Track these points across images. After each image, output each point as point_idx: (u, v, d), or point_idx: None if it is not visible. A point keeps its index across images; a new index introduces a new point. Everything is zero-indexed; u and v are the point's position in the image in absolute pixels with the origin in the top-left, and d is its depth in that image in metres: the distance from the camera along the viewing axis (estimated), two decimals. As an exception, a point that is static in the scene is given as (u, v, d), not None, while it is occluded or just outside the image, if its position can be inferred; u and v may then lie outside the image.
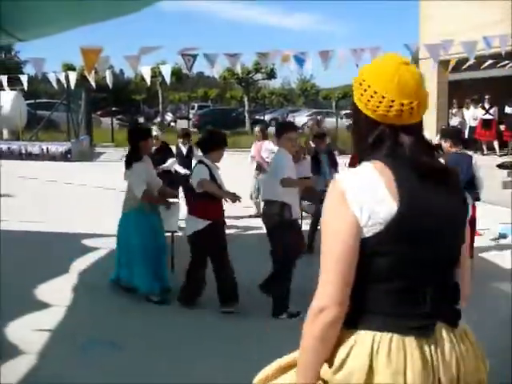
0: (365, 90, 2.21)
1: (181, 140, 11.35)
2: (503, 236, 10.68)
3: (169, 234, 8.20)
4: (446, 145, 8.65)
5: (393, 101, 2.16)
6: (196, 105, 60.35)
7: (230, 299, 6.90)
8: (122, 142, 21.14)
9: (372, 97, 2.19)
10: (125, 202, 7.42)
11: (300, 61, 9.88)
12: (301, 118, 46.48)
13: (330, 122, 37.54)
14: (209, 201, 6.81)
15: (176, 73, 41.43)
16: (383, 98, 2.17)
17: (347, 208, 2.13)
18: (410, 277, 2.18)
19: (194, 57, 10.07)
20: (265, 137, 12.33)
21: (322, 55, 9.75)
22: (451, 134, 9.16)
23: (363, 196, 2.12)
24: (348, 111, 49.09)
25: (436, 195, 2.19)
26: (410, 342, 2.12)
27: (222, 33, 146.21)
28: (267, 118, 53.27)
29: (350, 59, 9.79)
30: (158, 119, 42.83)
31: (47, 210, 12.87)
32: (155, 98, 51.63)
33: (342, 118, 45.56)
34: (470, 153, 19.38)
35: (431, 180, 2.18)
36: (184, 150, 11.25)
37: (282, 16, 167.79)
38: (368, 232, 2.12)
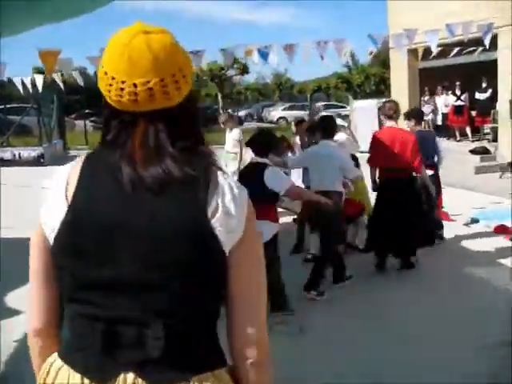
0: (104, 74, 1.70)
1: None
2: (475, 221, 10.70)
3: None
4: (410, 124, 9.12)
5: (123, 81, 1.65)
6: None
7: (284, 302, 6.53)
8: (97, 145, 20.88)
9: (103, 79, 1.70)
10: None
11: (264, 55, 9.82)
12: (276, 113, 46.68)
13: (305, 114, 37.68)
14: (274, 204, 6.56)
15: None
16: (113, 79, 1.66)
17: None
18: (83, 301, 1.70)
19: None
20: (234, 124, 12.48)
21: (286, 49, 9.72)
22: (414, 114, 9.52)
23: (50, 199, 1.75)
24: (323, 103, 49.26)
25: (134, 205, 1.65)
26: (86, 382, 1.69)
27: (191, 30, 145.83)
28: (242, 113, 53.44)
29: (314, 52, 9.74)
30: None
31: (21, 216, 12.63)
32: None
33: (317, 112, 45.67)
34: (443, 139, 19.61)
35: (140, 187, 1.66)
36: None
37: (253, 11, 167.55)
38: (50, 241, 1.73)
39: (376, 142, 8.13)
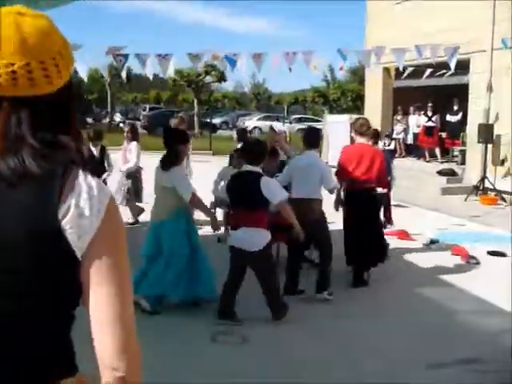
0: None
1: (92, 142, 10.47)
2: (435, 241, 10.77)
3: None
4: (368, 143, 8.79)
5: None
6: (148, 106, 60.10)
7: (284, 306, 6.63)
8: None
9: None
10: (162, 208, 6.79)
11: (231, 61, 9.81)
12: (251, 122, 46.78)
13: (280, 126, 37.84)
14: (267, 213, 6.54)
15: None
16: None
17: None
18: None
19: (126, 57, 9.94)
20: (135, 137, 11.36)
21: (254, 57, 9.73)
22: (371, 134, 9.27)
23: None
24: (299, 116, 49.56)
25: None
26: None
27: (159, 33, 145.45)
28: (217, 121, 53.49)
29: (282, 63, 9.77)
30: (107, 120, 42.39)
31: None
32: (113, 99, 51.24)
33: (291, 123, 45.91)
34: (412, 159, 19.78)
35: None
36: (95, 151, 10.49)
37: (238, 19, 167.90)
38: None
39: (345, 156, 8.25)
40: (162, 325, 6.38)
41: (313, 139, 7.80)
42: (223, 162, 11.85)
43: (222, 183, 9.18)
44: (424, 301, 7.76)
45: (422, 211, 14.58)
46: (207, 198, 9.83)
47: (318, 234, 7.51)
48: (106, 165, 10.65)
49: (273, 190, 6.32)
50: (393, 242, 10.81)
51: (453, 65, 10.36)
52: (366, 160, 8.01)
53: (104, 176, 10.39)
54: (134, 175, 11.13)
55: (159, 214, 6.80)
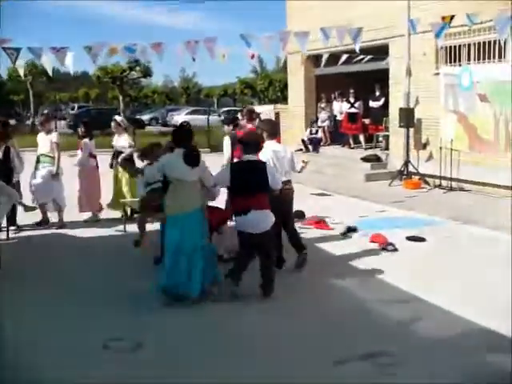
0: None
1: None
2: (353, 229, 10.52)
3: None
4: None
5: None
6: (76, 105, 59.19)
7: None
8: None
9: None
10: (187, 201, 7.04)
11: (131, 51, 9.36)
12: (179, 117, 46.30)
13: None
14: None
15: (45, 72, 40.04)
16: None
17: None
18: None
19: (18, 50, 9.37)
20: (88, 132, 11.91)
21: (154, 47, 9.30)
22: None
23: None
24: (227, 108, 49.13)
25: None
26: None
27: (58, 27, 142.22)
28: (147, 117, 52.83)
29: (185, 52, 9.33)
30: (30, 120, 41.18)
31: None
32: (38, 99, 50.06)
33: (219, 116, 45.55)
34: (337, 147, 19.68)
35: None
36: None
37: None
38: None
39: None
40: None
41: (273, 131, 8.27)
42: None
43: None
44: (335, 291, 7.51)
45: (345, 199, 14.39)
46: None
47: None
48: (12, 165, 10.26)
49: (275, 178, 7.23)
50: (309, 232, 10.59)
51: (357, 47, 10.06)
52: None
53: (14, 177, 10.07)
54: None
55: (185, 206, 7.02)
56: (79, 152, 11.80)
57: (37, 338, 6.02)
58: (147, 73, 40.24)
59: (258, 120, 10.25)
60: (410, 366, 5.23)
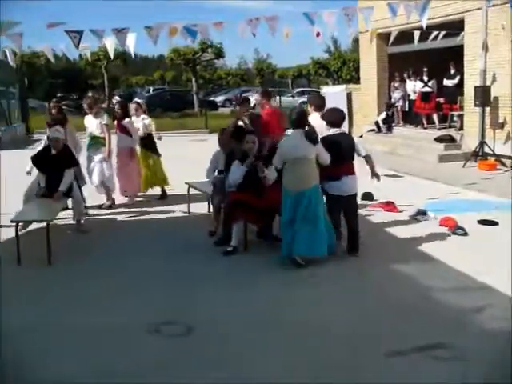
0: None
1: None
2: (422, 212, 10.10)
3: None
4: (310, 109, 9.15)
5: None
6: (151, 88, 59.95)
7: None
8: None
9: None
10: (310, 175, 7.55)
11: (192, 33, 9.21)
12: (251, 98, 46.16)
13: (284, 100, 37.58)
14: None
15: (120, 55, 40.67)
16: None
17: None
18: None
19: (80, 33, 9.35)
20: (126, 114, 11.60)
21: (216, 26, 9.13)
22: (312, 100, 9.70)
23: None
24: (301, 89, 48.87)
25: None
26: None
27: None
28: (221, 99, 53.06)
29: (246, 29, 9.13)
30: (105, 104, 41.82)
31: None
32: (114, 82, 50.85)
33: (293, 97, 45.28)
34: (410, 127, 19.18)
35: None
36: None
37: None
38: None
39: None
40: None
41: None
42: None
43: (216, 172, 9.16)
44: (397, 276, 7.20)
45: (417, 180, 13.97)
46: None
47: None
48: None
49: (360, 146, 8.15)
50: (377, 214, 10.29)
51: (424, 23, 9.60)
52: None
53: None
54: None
55: (301, 185, 7.50)
56: (118, 134, 11.58)
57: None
58: (220, 54, 40.19)
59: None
60: (467, 362, 4.87)
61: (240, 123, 9.55)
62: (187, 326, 5.79)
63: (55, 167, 8.86)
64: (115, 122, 11.61)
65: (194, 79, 38.69)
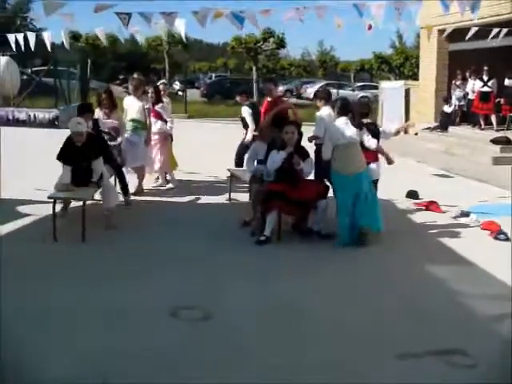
0: None
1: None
2: (465, 214, 9.83)
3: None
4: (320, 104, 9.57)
5: None
6: (213, 75, 60.26)
7: None
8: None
9: None
10: (361, 158, 8.04)
11: (240, 19, 9.11)
12: (312, 90, 46.20)
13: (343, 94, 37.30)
14: None
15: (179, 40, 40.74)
16: None
17: None
18: None
19: (129, 15, 9.38)
20: (159, 98, 11.41)
21: (262, 13, 9.04)
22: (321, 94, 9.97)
23: None
24: (362, 83, 48.33)
25: None
26: None
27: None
28: (282, 89, 52.84)
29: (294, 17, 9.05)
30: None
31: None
32: (176, 67, 51.10)
33: (353, 91, 44.86)
34: (466, 127, 18.68)
35: None
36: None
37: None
38: None
39: None
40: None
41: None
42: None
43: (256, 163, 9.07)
44: (428, 278, 7.00)
45: (466, 181, 13.63)
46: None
47: None
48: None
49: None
50: (419, 214, 10.08)
51: (475, 16, 9.27)
52: None
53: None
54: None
55: (357, 167, 7.97)
56: (153, 119, 11.28)
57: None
58: (281, 44, 39.95)
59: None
60: (483, 370, 4.68)
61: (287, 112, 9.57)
62: (205, 311, 5.78)
63: (81, 159, 8.44)
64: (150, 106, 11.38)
65: (254, 68, 38.54)
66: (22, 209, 9.78)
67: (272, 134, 8.68)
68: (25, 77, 29.29)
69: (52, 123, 22.15)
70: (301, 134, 8.46)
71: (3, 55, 24.75)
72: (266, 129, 9.07)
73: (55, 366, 4.60)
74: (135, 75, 11.95)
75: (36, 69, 32.84)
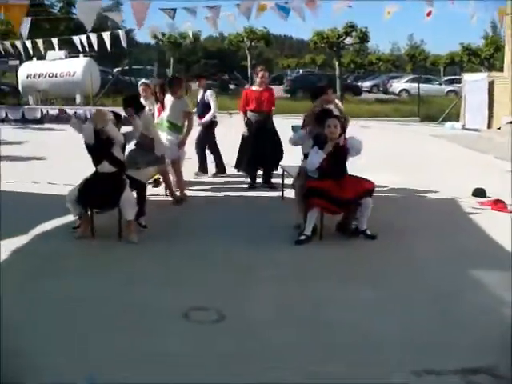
0: None
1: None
2: (530, 214, 9.08)
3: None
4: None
5: None
6: (301, 70, 60.14)
7: None
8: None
9: None
10: None
11: (285, 10, 8.74)
12: (398, 85, 45.52)
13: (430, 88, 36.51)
14: None
15: (265, 37, 40.74)
16: None
17: None
18: None
19: (174, 10, 9.19)
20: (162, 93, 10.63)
21: (308, 4, 8.61)
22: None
23: None
24: (449, 77, 46.83)
25: None
26: None
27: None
28: (368, 84, 52.25)
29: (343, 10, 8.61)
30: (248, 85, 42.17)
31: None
32: (266, 64, 51.14)
33: (440, 85, 43.60)
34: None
35: None
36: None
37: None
38: None
39: None
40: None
41: None
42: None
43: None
44: (469, 284, 6.36)
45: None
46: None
47: None
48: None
49: None
50: (484, 213, 9.40)
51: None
52: None
53: None
54: None
55: None
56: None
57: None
58: (364, 38, 39.16)
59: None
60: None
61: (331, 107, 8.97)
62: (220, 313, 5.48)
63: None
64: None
65: (336, 63, 37.89)
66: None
67: (315, 130, 8.19)
68: (109, 76, 29.92)
69: (126, 120, 22.42)
70: (344, 129, 7.97)
71: (84, 56, 25.33)
72: (309, 122, 8.57)
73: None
74: (176, 75, 11.82)
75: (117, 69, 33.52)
